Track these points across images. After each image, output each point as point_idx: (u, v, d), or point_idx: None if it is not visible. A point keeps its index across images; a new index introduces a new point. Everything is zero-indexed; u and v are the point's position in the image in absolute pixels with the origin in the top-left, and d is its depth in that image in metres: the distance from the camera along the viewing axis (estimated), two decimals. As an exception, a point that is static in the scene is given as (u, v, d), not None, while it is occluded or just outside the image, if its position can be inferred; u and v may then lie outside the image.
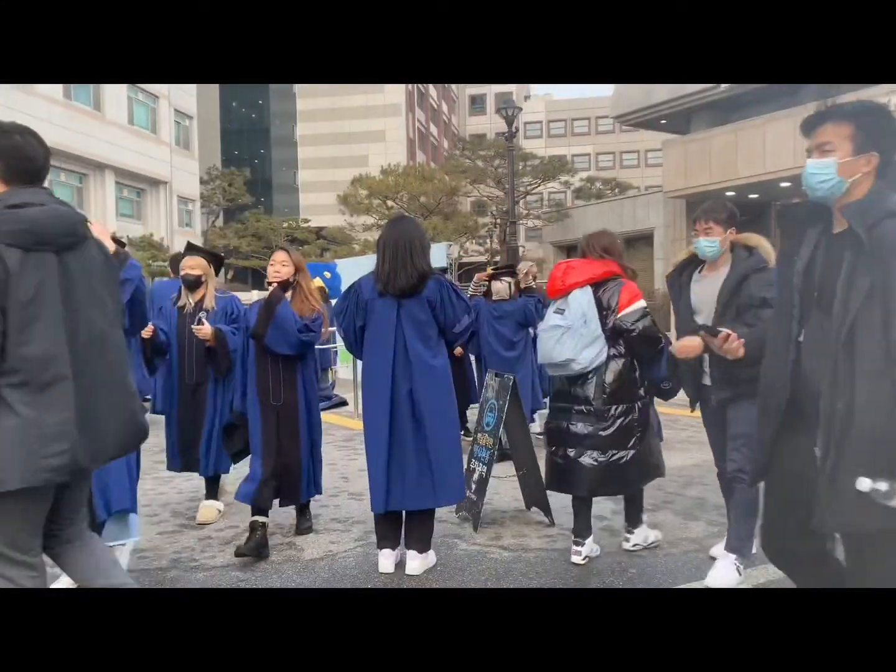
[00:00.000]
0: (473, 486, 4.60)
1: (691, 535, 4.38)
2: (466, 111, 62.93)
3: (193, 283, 4.85)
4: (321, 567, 3.94)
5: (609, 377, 3.79)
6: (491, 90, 59.34)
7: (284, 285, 4.29)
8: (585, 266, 3.91)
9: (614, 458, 3.80)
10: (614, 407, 3.79)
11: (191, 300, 4.84)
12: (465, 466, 4.64)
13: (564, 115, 59.55)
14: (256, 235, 42.80)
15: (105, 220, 26.38)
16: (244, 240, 42.39)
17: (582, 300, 3.81)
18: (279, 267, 4.27)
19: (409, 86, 50.67)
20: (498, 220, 31.16)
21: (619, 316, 3.83)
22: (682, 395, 4.05)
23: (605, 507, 4.97)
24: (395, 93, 50.00)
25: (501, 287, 6.80)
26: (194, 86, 33.20)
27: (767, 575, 3.72)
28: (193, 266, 4.84)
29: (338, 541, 4.36)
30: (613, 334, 3.81)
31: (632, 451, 3.82)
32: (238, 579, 3.76)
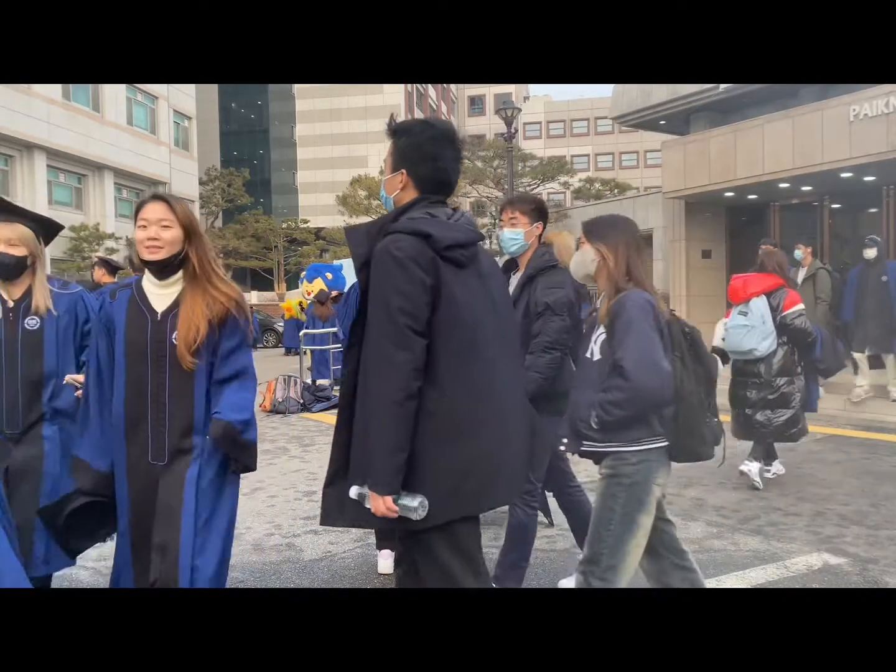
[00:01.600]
0: (473, 487, 4.59)
1: (691, 535, 4.38)
2: (465, 112, 62.96)
3: (13, 269, 2.91)
4: (320, 568, 3.93)
5: (776, 359, 5.36)
6: (490, 91, 59.41)
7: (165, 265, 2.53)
8: (760, 280, 5.44)
9: (777, 416, 5.38)
10: (778, 380, 5.36)
11: (7, 297, 2.94)
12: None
13: (563, 115, 59.61)
14: (255, 236, 42.83)
15: (104, 221, 26.39)
16: (243, 240, 42.41)
17: (761, 306, 5.32)
18: (158, 231, 2.52)
19: (409, 86, 50.71)
20: (497, 221, 31.16)
21: (782, 315, 5.31)
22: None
23: (605, 508, 4.97)
24: (394, 93, 50.05)
25: None
26: (193, 86, 33.21)
27: (767, 575, 3.72)
28: (12, 239, 2.89)
29: (337, 541, 4.36)
30: (779, 328, 5.32)
31: (790, 412, 5.40)
32: (237, 580, 3.76)
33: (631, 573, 2.55)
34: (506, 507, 4.97)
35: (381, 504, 2.04)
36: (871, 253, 8.13)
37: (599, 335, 2.62)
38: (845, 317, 8.50)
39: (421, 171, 2.24)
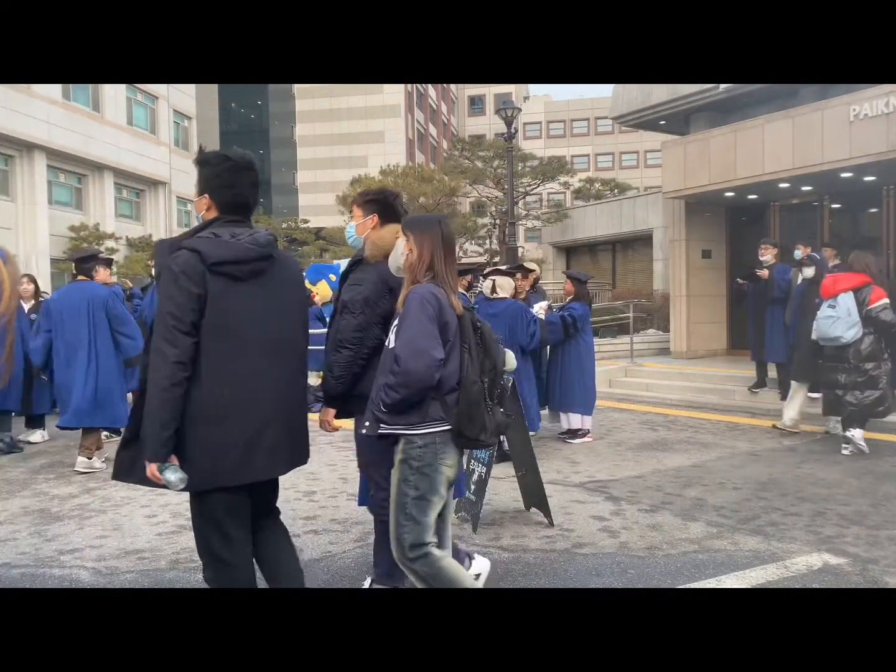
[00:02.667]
0: (473, 487, 4.60)
1: (691, 535, 4.38)
2: (465, 112, 62.94)
3: None
4: (320, 568, 3.93)
5: (863, 346, 6.36)
6: (490, 91, 59.37)
7: None
8: (849, 277, 6.45)
9: (866, 396, 6.38)
10: (866, 364, 6.35)
11: None
12: (465, 467, 4.64)
13: (563, 115, 59.60)
14: (255, 236, 42.73)
15: (104, 221, 26.38)
16: (243, 240, 42.30)
17: (847, 300, 6.33)
18: None
19: (409, 86, 50.68)
20: (497, 221, 31.13)
21: (868, 308, 6.30)
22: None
23: (605, 508, 4.97)
24: (394, 93, 50.02)
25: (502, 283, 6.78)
26: (193, 86, 33.18)
27: (767, 575, 3.72)
28: None
29: (337, 541, 4.36)
30: (866, 319, 6.30)
31: (878, 392, 6.37)
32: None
33: (431, 542, 2.73)
34: (505, 507, 4.99)
35: (151, 469, 2.53)
36: (809, 272, 7.55)
37: (395, 324, 2.82)
38: (792, 341, 7.85)
39: (220, 196, 2.69)
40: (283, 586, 2.80)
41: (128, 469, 2.69)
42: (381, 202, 3.38)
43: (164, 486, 2.57)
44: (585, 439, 7.33)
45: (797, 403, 7.59)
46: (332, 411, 3.35)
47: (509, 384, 4.53)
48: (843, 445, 6.61)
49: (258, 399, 2.63)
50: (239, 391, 2.59)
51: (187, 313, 2.50)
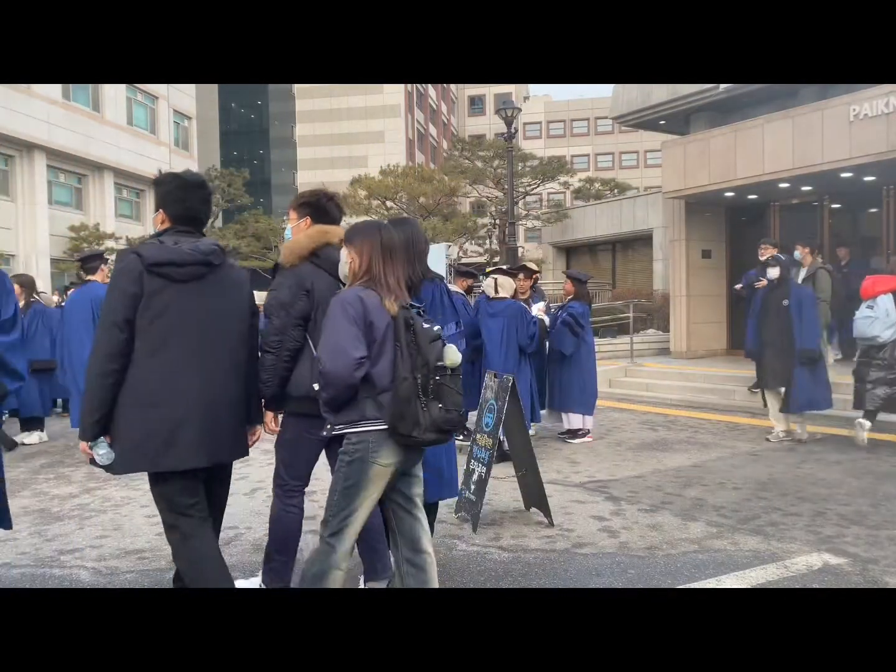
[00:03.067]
0: (473, 487, 4.60)
1: (691, 535, 4.38)
2: (465, 112, 62.94)
3: None
4: (320, 568, 3.93)
5: None
6: (490, 91, 59.36)
7: None
8: (889, 280, 6.74)
9: (894, 392, 6.59)
10: None
11: None
12: (465, 467, 4.64)
13: (563, 115, 59.58)
14: (255, 236, 42.76)
15: (104, 221, 26.38)
16: (243, 240, 42.33)
17: (886, 301, 6.59)
18: None
19: (409, 86, 50.68)
20: (497, 221, 31.12)
21: None
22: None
23: (605, 508, 4.97)
24: (394, 93, 50.01)
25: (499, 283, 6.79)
26: (193, 86, 33.18)
27: (767, 575, 3.72)
28: None
29: (337, 541, 4.35)
30: None
31: None
32: (237, 580, 3.75)
33: (352, 539, 2.88)
34: (505, 507, 4.99)
35: (82, 446, 2.86)
36: (773, 273, 7.19)
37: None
38: (748, 345, 7.65)
39: (172, 210, 3.00)
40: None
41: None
42: (313, 205, 3.43)
43: (95, 463, 2.88)
44: (585, 439, 7.33)
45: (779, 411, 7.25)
46: (270, 413, 3.48)
47: (510, 384, 4.53)
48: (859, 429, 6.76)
49: (184, 392, 2.86)
50: (167, 383, 2.83)
51: (121, 310, 2.79)
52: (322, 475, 6.16)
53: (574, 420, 7.37)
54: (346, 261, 2.92)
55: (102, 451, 2.83)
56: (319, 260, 3.29)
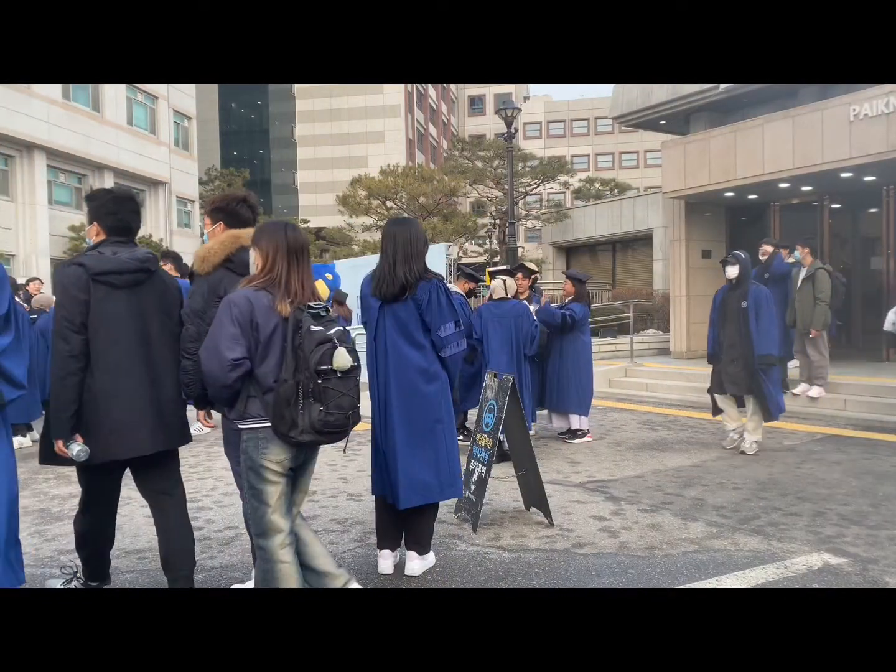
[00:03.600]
0: (473, 487, 4.60)
1: (691, 535, 4.38)
2: (465, 112, 62.93)
3: None
4: (320, 568, 3.93)
5: None
6: (490, 91, 59.37)
7: None
8: None
9: None
10: None
11: None
12: (465, 467, 4.64)
13: (563, 115, 59.59)
14: (255, 236, 42.74)
15: (104, 221, 26.34)
16: (243, 240, 42.34)
17: None
18: None
19: (409, 86, 50.67)
20: (497, 221, 31.13)
21: None
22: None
23: (605, 508, 4.97)
24: (394, 93, 50.01)
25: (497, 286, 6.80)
26: (193, 86, 33.17)
27: (767, 575, 3.72)
28: None
29: (337, 542, 4.36)
30: None
31: None
32: (237, 580, 3.76)
33: (278, 532, 2.92)
34: (505, 507, 4.99)
35: (58, 445, 3.08)
36: (732, 271, 6.66)
37: None
38: (709, 349, 7.01)
39: (105, 222, 3.26)
40: (170, 556, 3.29)
41: (50, 453, 3.18)
42: (224, 209, 3.50)
43: (71, 462, 3.13)
44: (585, 439, 7.33)
45: (756, 420, 6.68)
46: (202, 412, 3.54)
47: (510, 384, 4.53)
48: None
49: (130, 388, 3.16)
50: (115, 381, 3.12)
51: (76, 315, 3.07)
52: (322, 475, 6.19)
53: (573, 420, 7.37)
54: (254, 261, 3.01)
55: (77, 449, 3.06)
56: (233, 265, 3.35)
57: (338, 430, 2.87)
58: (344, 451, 3.90)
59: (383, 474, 3.77)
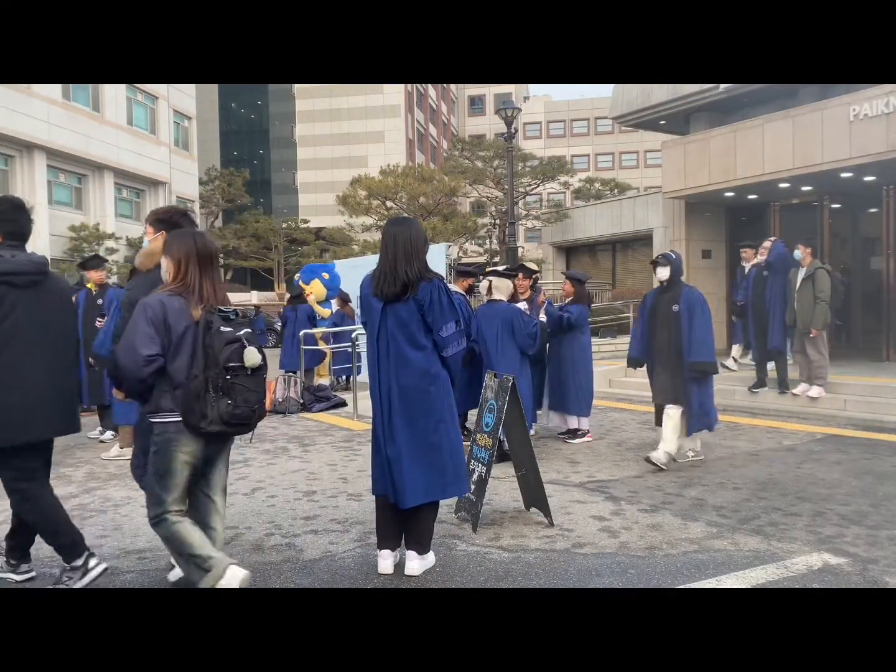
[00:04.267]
0: (473, 487, 4.60)
1: (691, 535, 4.38)
2: (465, 112, 62.94)
3: None
4: (320, 568, 3.93)
5: None
6: (490, 91, 59.37)
7: None
8: None
9: None
10: None
11: None
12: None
13: (563, 115, 59.60)
14: (255, 236, 42.80)
15: (104, 221, 26.38)
16: (243, 240, 42.38)
17: None
18: None
19: (409, 86, 50.67)
20: (497, 221, 31.14)
21: None
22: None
23: (605, 508, 4.97)
24: (394, 93, 50.01)
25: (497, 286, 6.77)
26: (193, 86, 33.17)
27: (767, 575, 3.72)
28: None
29: (337, 541, 4.36)
30: None
31: None
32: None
33: (173, 514, 3.14)
34: (505, 507, 4.99)
35: None
36: (662, 273, 6.20)
37: None
38: (632, 353, 6.59)
39: (4, 227, 3.55)
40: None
41: None
42: (167, 221, 3.77)
43: None
44: (585, 439, 7.33)
45: (673, 431, 6.06)
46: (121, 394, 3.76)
47: (510, 384, 4.53)
48: None
49: (31, 379, 3.46)
50: (18, 372, 3.42)
51: None
52: (322, 475, 6.18)
53: (571, 420, 7.36)
54: (165, 269, 3.24)
55: None
56: None
57: (244, 423, 3.13)
58: (250, 440, 4.20)
59: (384, 474, 3.77)
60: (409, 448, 3.71)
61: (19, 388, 3.42)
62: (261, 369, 3.13)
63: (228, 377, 3.02)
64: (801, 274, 8.56)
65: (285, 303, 12.45)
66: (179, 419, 3.08)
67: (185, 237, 3.27)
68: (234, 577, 3.04)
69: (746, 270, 9.71)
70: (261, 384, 3.13)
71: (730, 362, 10.45)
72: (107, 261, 7.85)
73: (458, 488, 3.89)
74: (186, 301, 3.12)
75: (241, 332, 3.07)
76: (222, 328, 3.06)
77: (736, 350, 10.78)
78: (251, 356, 3.05)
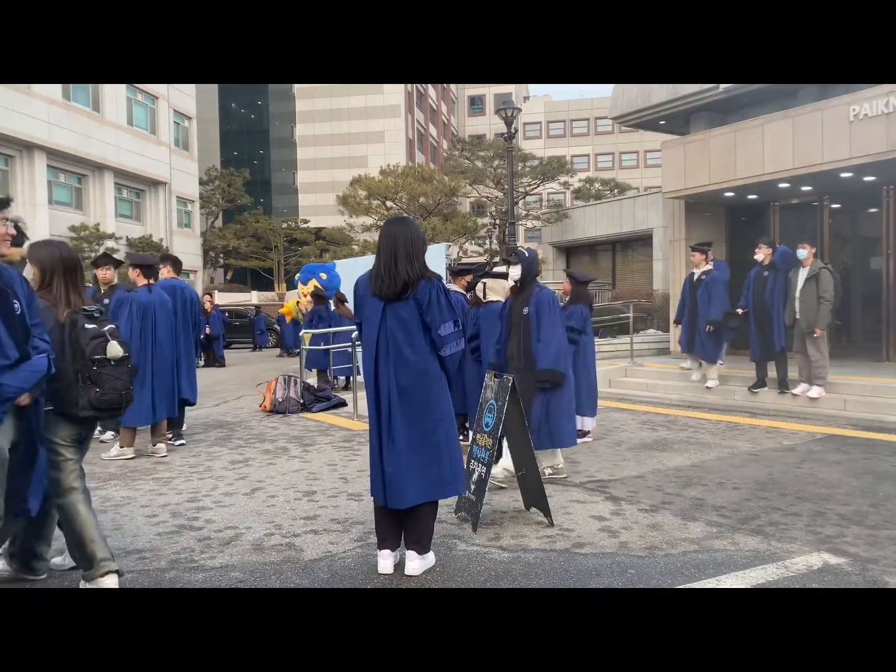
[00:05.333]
0: (472, 487, 4.60)
1: (690, 535, 4.38)
2: (465, 112, 62.94)
3: None
4: (320, 568, 3.93)
5: None
6: (490, 91, 59.38)
7: None
8: None
9: None
10: None
11: None
12: (465, 467, 4.64)
13: (563, 115, 59.62)
14: (255, 236, 42.80)
15: (104, 221, 26.38)
16: (243, 240, 42.37)
17: None
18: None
19: (409, 86, 50.67)
20: (497, 221, 31.13)
21: None
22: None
23: (605, 508, 4.97)
24: (394, 93, 50.01)
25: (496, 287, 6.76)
26: (193, 86, 33.18)
27: (767, 575, 3.72)
28: None
29: (337, 541, 4.36)
30: None
31: None
32: (237, 580, 3.76)
33: (74, 492, 3.50)
34: (505, 507, 4.99)
35: None
36: (514, 272, 5.58)
37: None
38: (489, 358, 5.97)
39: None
40: None
41: None
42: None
43: None
44: (586, 439, 7.32)
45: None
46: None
47: (510, 384, 4.53)
48: None
49: None
50: None
51: None
52: (322, 475, 6.18)
53: (578, 420, 7.34)
54: (32, 276, 3.51)
55: None
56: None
57: (114, 408, 3.47)
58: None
59: (379, 479, 3.77)
60: (409, 448, 3.71)
61: None
62: (124, 360, 3.51)
63: (95, 368, 3.39)
64: (804, 274, 8.56)
65: (313, 304, 12.45)
66: (50, 408, 3.40)
67: (49, 248, 3.61)
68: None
69: (695, 277, 9.86)
70: (125, 373, 3.51)
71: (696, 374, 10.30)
72: (112, 259, 7.80)
73: (456, 488, 3.89)
74: (51, 304, 3.46)
75: (105, 329, 3.48)
76: (87, 325, 3.44)
77: (696, 369, 10.36)
78: (113, 349, 3.45)
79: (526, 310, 5.49)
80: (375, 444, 3.80)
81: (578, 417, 7.32)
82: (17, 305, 3.27)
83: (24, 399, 3.21)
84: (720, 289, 9.51)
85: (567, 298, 7.58)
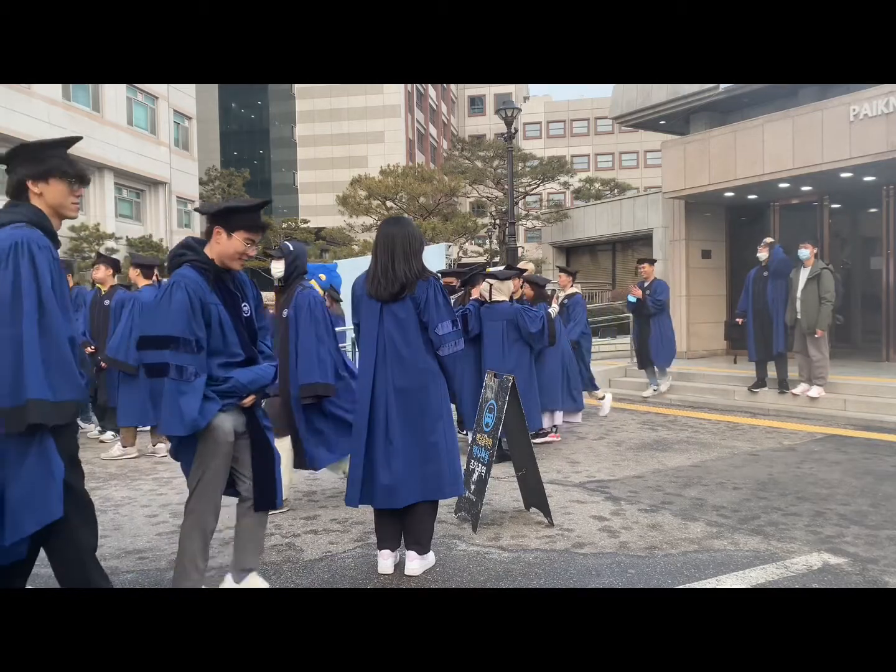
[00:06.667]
0: (473, 487, 4.60)
1: (690, 535, 4.38)
2: (465, 112, 62.93)
3: None
4: (320, 568, 3.93)
5: None
6: (490, 91, 59.37)
7: None
8: None
9: None
10: None
11: None
12: (465, 467, 4.64)
13: (563, 115, 59.60)
14: (255, 236, 42.76)
15: (104, 221, 26.37)
16: (243, 240, 42.31)
17: None
18: None
19: (409, 86, 50.66)
20: (497, 221, 31.14)
21: None
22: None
23: (605, 508, 4.97)
24: (394, 94, 50.01)
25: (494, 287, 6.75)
26: (193, 86, 33.17)
27: (767, 575, 3.72)
28: None
29: (337, 541, 4.36)
30: None
31: None
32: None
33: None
34: (505, 507, 4.99)
35: None
36: (277, 268, 4.82)
37: None
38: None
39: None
40: None
41: None
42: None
43: None
44: (548, 438, 7.28)
45: (285, 467, 4.56)
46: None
47: (510, 384, 4.53)
48: None
49: None
50: None
51: None
52: (322, 475, 6.17)
53: (557, 417, 7.32)
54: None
55: None
56: None
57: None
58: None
59: (380, 477, 3.76)
60: (407, 448, 3.71)
61: None
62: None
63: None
64: (805, 274, 8.56)
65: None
66: None
67: None
68: None
69: (560, 299, 8.75)
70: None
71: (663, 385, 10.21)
72: (105, 258, 7.78)
73: (455, 488, 3.88)
74: None
75: None
76: None
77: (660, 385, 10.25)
78: None
79: (286, 312, 4.74)
80: (362, 446, 3.76)
81: (547, 413, 7.20)
82: (246, 308, 3.27)
83: (249, 400, 3.23)
84: (580, 311, 8.59)
85: (564, 292, 7.55)
